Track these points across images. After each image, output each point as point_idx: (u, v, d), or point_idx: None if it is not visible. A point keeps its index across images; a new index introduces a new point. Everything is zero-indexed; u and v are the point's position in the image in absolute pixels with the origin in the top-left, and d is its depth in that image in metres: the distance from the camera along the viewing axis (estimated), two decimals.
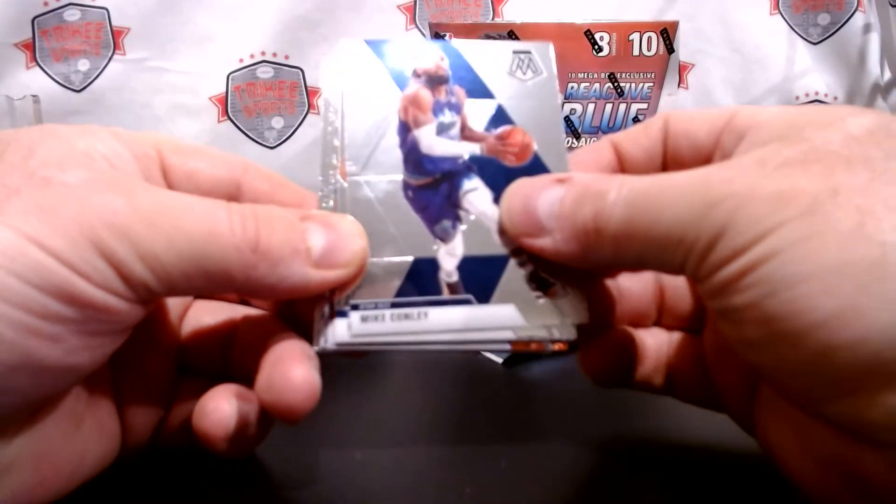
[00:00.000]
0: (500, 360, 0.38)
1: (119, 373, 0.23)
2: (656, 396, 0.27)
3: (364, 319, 0.21)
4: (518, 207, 0.22)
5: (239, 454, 0.22)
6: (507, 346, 0.22)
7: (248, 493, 0.24)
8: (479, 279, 0.22)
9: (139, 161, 0.22)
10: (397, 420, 0.31)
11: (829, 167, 0.17)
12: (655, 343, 0.27)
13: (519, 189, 0.22)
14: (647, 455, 0.27)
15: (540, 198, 0.21)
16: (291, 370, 0.20)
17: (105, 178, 0.19)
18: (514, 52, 0.25)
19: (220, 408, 0.22)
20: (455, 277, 0.22)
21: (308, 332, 0.22)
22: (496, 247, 0.23)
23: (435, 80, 0.24)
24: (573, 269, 0.22)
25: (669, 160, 0.24)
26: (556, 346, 0.22)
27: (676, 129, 0.23)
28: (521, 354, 0.38)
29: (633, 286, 0.26)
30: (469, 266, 0.22)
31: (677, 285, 0.27)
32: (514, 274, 0.22)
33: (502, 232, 0.23)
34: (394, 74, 0.24)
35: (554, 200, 0.21)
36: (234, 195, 0.24)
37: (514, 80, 0.24)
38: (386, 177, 0.23)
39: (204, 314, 0.26)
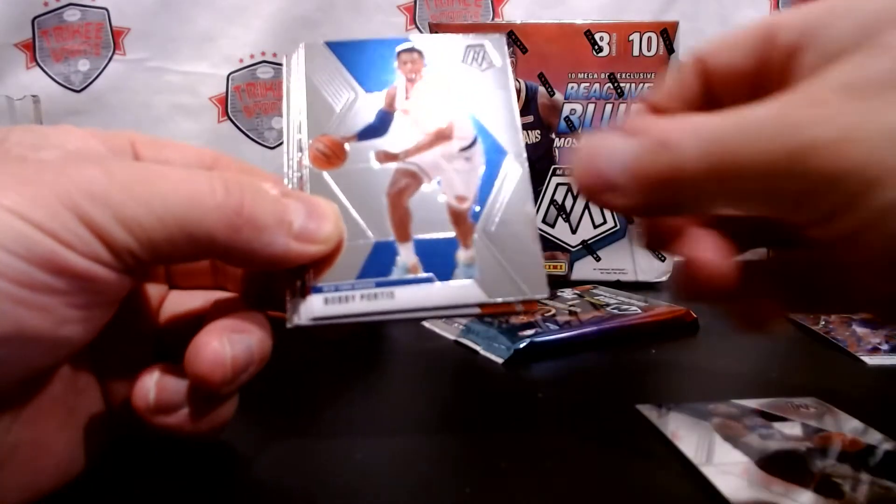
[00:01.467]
0: (500, 360, 0.38)
1: (101, 360, 0.24)
2: (657, 396, 0.27)
3: (328, 301, 0.22)
4: (585, 166, 0.20)
5: (194, 432, 0.22)
6: (477, 310, 0.23)
7: (248, 492, 0.24)
8: (437, 258, 0.23)
9: (113, 153, 0.22)
10: (397, 419, 0.31)
11: None
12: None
13: (584, 148, 0.21)
14: (648, 455, 0.27)
15: (606, 155, 0.20)
16: (206, 341, 0.21)
17: (79, 155, 0.20)
18: (468, 46, 0.26)
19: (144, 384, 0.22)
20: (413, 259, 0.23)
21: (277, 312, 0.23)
22: (448, 228, 0.24)
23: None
24: (527, 242, 0.23)
25: (719, 102, 0.21)
26: (526, 307, 0.23)
27: (718, 66, 0.21)
28: (522, 355, 0.38)
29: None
30: (425, 247, 0.23)
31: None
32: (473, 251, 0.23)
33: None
34: (354, 73, 0.26)
35: (622, 156, 0.19)
36: None
37: (469, 70, 0.26)
38: (350, 165, 0.24)
39: (182, 302, 0.27)
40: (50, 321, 0.18)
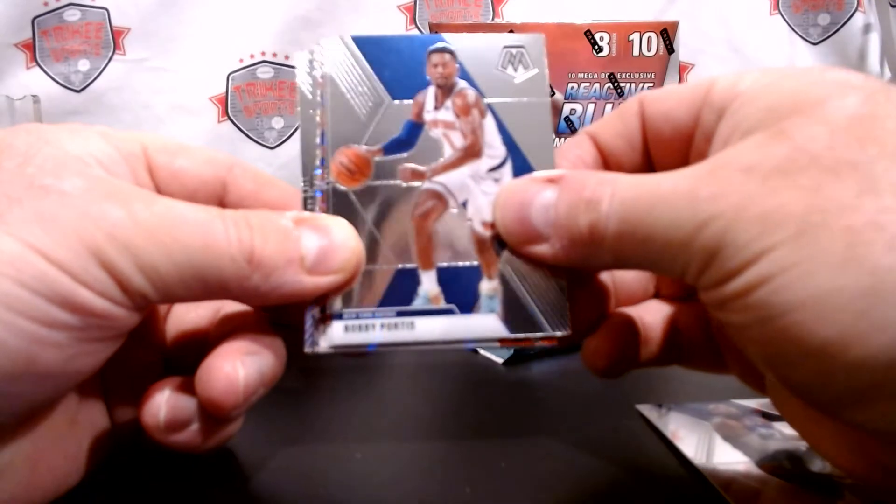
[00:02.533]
0: (500, 360, 0.38)
1: (107, 372, 0.23)
2: (657, 396, 0.27)
3: (348, 329, 0.22)
4: (512, 216, 0.22)
5: (197, 446, 0.22)
6: (496, 344, 0.22)
7: (248, 492, 0.24)
8: (460, 289, 0.22)
9: (127, 162, 0.22)
10: (397, 420, 0.31)
11: (816, 180, 0.16)
12: (654, 319, 0.26)
13: (511, 196, 0.22)
14: (647, 455, 0.27)
15: (533, 204, 0.21)
16: (219, 365, 0.21)
17: (102, 187, 0.19)
18: (505, 47, 0.24)
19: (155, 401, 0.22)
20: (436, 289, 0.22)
21: (294, 327, 0.23)
22: (472, 256, 0.23)
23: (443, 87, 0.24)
24: (549, 279, 0.22)
25: (651, 143, 0.23)
26: (546, 343, 0.22)
27: (653, 112, 0.23)
28: (521, 354, 0.38)
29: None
30: (448, 276, 0.22)
31: None
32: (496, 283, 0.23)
33: (495, 239, 0.23)
34: (381, 77, 0.24)
35: (548, 206, 0.21)
36: (219, 194, 0.24)
37: (505, 77, 0.24)
38: (374, 182, 0.23)
39: (188, 311, 0.26)
40: (61, 357, 0.18)
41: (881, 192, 0.16)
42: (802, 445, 0.27)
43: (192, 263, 0.19)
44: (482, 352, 0.40)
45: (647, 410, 0.30)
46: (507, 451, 0.27)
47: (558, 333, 0.22)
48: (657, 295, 0.27)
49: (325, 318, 0.22)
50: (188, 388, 0.22)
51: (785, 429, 0.28)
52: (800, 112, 0.18)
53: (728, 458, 0.26)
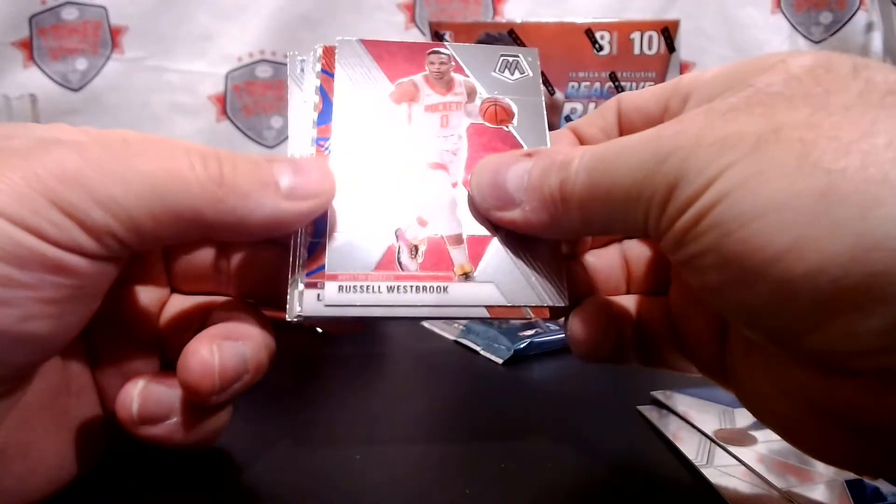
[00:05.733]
0: (499, 360, 0.38)
1: (98, 364, 0.23)
2: (656, 397, 0.27)
3: (341, 289, 0.22)
4: (487, 181, 0.23)
5: (191, 441, 0.22)
6: (485, 313, 0.23)
7: (247, 494, 0.24)
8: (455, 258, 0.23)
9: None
10: (397, 420, 0.31)
11: (771, 108, 0.17)
12: (629, 309, 0.27)
13: (487, 164, 0.23)
14: (647, 456, 0.27)
15: (508, 171, 0.22)
16: (195, 349, 0.20)
17: (52, 139, 0.19)
18: (502, 56, 0.27)
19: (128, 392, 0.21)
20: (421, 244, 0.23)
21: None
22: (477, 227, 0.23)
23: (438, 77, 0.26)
24: (549, 253, 0.23)
25: (624, 133, 0.24)
26: (536, 314, 0.23)
27: (628, 107, 0.24)
28: (522, 355, 0.38)
29: (600, 263, 0.27)
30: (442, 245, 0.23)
31: (640, 256, 0.27)
32: (496, 253, 0.23)
33: (472, 207, 0.23)
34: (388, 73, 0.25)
35: (522, 173, 0.22)
36: None
37: (500, 78, 0.26)
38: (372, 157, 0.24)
39: (182, 306, 0.26)
40: (11, 316, 0.17)
41: (833, 112, 0.16)
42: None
43: (156, 192, 0.18)
44: (482, 352, 0.39)
45: (647, 411, 0.30)
46: (506, 452, 0.27)
47: (558, 304, 0.23)
48: (628, 292, 0.28)
49: (308, 285, 0.22)
50: (168, 380, 0.21)
51: None
52: (761, 70, 0.19)
53: (729, 460, 0.26)
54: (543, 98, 0.26)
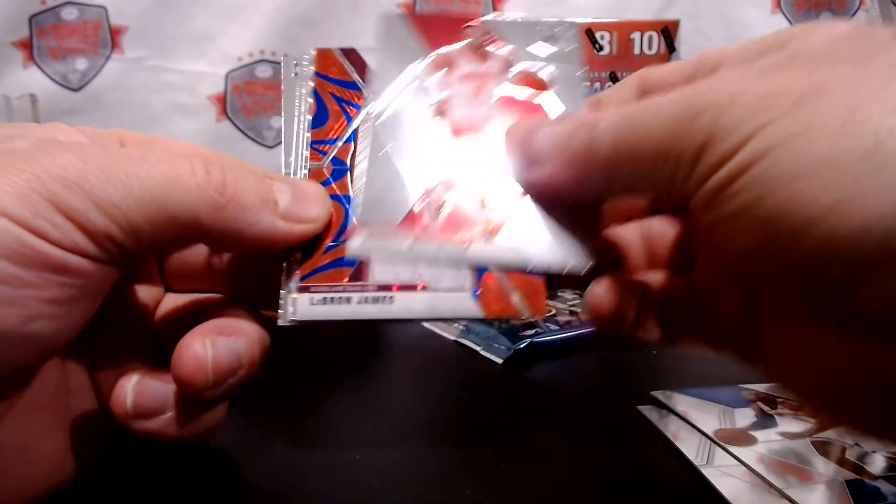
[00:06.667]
0: (499, 360, 0.38)
1: (95, 362, 0.23)
2: (656, 397, 0.27)
3: (326, 301, 0.22)
4: (518, 140, 0.23)
5: (185, 436, 0.22)
6: (480, 315, 0.23)
7: (247, 494, 0.24)
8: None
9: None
10: (397, 420, 0.31)
11: (812, 67, 0.17)
12: (651, 284, 0.26)
13: (519, 126, 0.23)
14: (648, 456, 0.27)
15: (539, 132, 0.22)
16: (188, 344, 0.21)
17: (54, 142, 0.19)
18: (539, 29, 0.27)
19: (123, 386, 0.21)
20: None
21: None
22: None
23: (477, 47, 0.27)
24: (574, 219, 0.23)
25: None
26: (533, 311, 0.23)
27: (649, 79, 0.24)
28: (522, 355, 0.38)
29: (620, 239, 0.26)
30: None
31: (661, 234, 0.27)
32: (519, 216, 0.23)
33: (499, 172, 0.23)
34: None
35: (552, 134, 0.21)
36: None
37: (537, 52, 0.27)
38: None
39: (176, 305, 0.26)
40: (15, 316, 0.17)
41: (877, 73, 0.16)
42: (804, 446, 0.27)
43: (155, 197, 0.18)
44: (482, 352, 0.39)
45: (647, 411, 0.30)
46: (506, 452, 0.27)
47: (582, 265, 0.23)
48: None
49: (299, 290, 0.22)
50: (163, 375, 0.21)
51: (786, 427, 0.28)
52: (798, 36, 0.18)
53: (729, 460, 0.26)
54: (580, 71, 0.26)
